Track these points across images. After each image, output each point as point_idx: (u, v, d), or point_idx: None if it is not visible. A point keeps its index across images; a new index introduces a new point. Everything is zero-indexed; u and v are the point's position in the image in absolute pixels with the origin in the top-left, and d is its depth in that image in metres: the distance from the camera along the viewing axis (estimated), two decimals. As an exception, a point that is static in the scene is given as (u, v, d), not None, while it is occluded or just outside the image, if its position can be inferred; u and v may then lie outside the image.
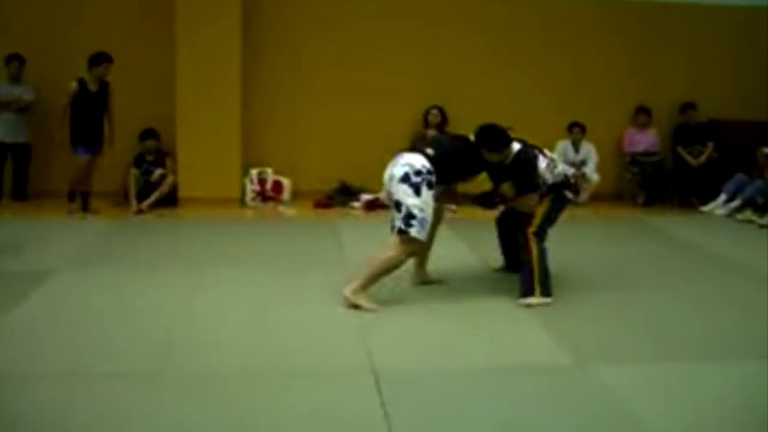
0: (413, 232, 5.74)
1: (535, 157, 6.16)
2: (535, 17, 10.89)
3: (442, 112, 10.42)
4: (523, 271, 6.14)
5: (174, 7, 9.76)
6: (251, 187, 10.08)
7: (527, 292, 6.05)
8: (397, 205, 5.78)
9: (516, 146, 6.12)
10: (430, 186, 5.79)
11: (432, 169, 5.82)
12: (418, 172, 5.78)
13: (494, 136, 6.03)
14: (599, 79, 10.98)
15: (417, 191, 5.73)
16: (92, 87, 9.23)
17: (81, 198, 9.36)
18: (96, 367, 4.66)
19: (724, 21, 11.25)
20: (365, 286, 5.89)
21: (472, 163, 6.16)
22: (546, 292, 6.07)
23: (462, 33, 10.68)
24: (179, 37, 9.72)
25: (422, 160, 5.85)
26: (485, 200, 6.54)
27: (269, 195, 10.15)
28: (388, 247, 5.92)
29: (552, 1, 10.90)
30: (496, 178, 6.27)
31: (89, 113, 9.22)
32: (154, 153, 9.83)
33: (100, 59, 9.16)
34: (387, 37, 10.59)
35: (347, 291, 5.85)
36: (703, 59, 11.27)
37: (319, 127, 10.52)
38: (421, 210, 5.74)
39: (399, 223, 5.76)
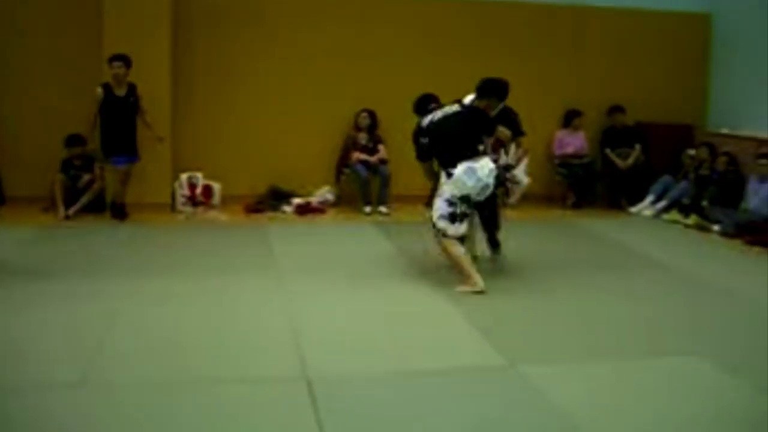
0: None
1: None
2: (465, 20, 10.94)
3: (372, 114, 10.42)
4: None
5: (102, 11, 9.58)
6: (181, 192, 9.96)
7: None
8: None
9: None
10: None
11: None
12: None
13: (503, 85, 7.04)
14: (529, 82, 11.03)
15: None
16: (119, 92, 9.15)
17: (117, 209, 9.38)
18: (12, 378, 4.55)
19: (651, 26, 11.43)
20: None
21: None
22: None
23: (391, 36, 10.69)
24: (107, 40, 9.54)
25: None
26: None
27: (199, 200, 10.03)
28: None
29: (482, 3, 10.96)
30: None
31: (121, 119, 9.17)
32: (82, 158, 9.64)
33: (110, 59, 9.10)
34: (317, 41, 10.54)
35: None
36: (630, 63, 11.44)
37: (250, 131, 10.42)
38: None
39: None
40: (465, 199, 6.47)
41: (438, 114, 6.72)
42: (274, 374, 4.73)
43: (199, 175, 10.07)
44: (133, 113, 9.27)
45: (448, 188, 6.45)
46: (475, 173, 6.38)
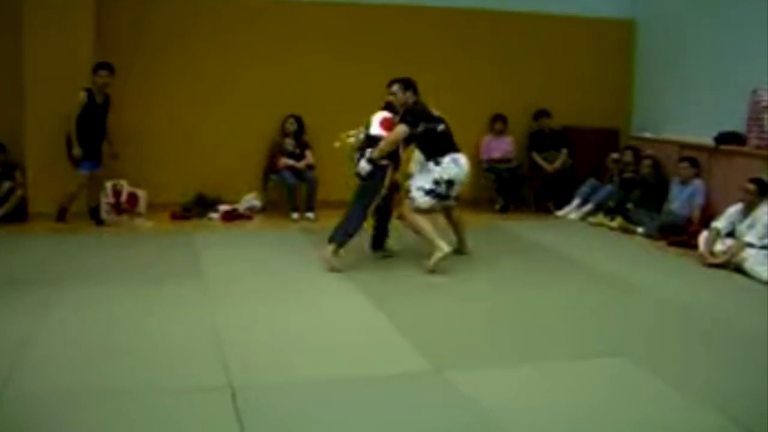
0: None
1: None
2: (389, 25, 10.92)
3: (298, 120, 10.37)
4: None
5: (21, 15, 9.38)
6: (105, 200, 9.78)
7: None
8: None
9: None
10: None
11: None
12: None
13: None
14: (456, 87, 11.09)
15: None
16: (99, 99, 9.16)
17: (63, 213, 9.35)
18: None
19: (578, 31, 11.55)
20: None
21: None
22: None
23: (316, 43, 10.62)
24: (27, 46, 9.35)
25: None
26: None
27: (124, 207, 9.85)
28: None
29: (406, 7, 10.96)
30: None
31: (94, 126, 9.18)
32: (1, 166, 9.42)
33: (96, 67, 9.09)
34: (243, 47, 10.44)
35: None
36: (557, 68, 11.55)
37: (175, 137, 10.28)
38: None
39: None
40: (450, 183, 7.55)
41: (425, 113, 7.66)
42: (198, 383, 4.66)
43: (124, 182, 9.89)
44: (105, 122, 9.32)
45: (437, 171, 7.52)
46: (458, 162, 7.59)
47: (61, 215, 9.33)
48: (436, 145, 7.58)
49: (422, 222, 7.54)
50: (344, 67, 10.56)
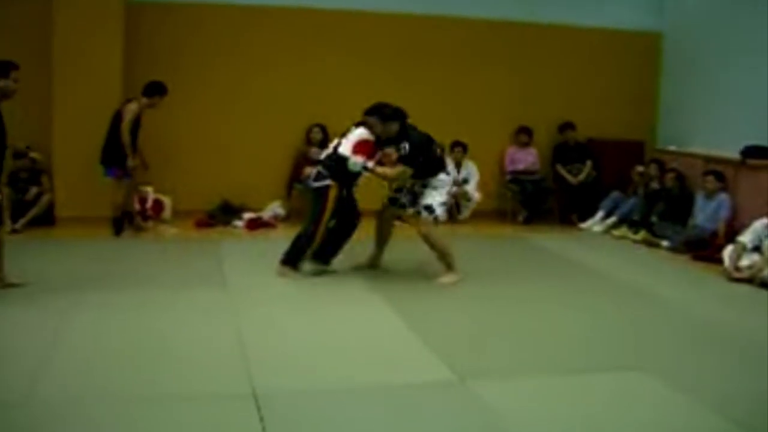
0: None
1: None
2: (416, 35, 10.98)
3: (323, 129, 10.39)
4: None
5: (52, 21, 9.49)
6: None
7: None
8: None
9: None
10: None
11: None
12: None
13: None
14: (481, 98, 11.12)
15: None
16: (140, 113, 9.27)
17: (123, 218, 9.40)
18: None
19: (603, 43, 11.56)
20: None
21: None
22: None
23: (343, 52, 10.68)
24: (57, 51, 9.46)
25: None
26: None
27: (149, 214, 9.92)
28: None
29: (433, 18, 11.00)
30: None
31: (135, 137, 9.24)
32: (29, 171, 9.52)
33: (154, 91, 9.19)
34: (267, 56, 10.52)
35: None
36: (582, 80, 11.55)
37: (201, 145, 10.35)
38: None
39: None
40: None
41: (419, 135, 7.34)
42: (222, 390, 4.67)
43: (149, 189, 9.97)
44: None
45: (448, 180, 7.60)
46: (449, 175, 7.72)
47: (119, 227, 9.31)
48: (432, 167, 7.37)
49: (446, 241, 7.52)
50: (369, 77, 10.58)
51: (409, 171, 7.20)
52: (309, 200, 7.60)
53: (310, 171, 10.05)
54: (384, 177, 7.33)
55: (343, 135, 7.42)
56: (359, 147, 7.20)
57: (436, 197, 7.36)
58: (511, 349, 5.63)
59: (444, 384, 4.91)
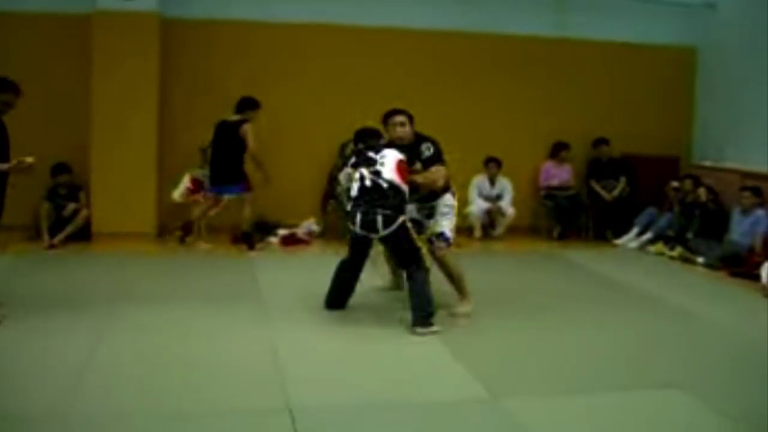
0: None
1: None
2: (450, 51, 11.00)
3: (358, 145, 10.40)
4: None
5: (91, 39, 9.63)
6: (185, 186, 9.99)
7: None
8: None
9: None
10: None
11: None
12: None
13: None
14: (515, 114, 11.12)
15: None
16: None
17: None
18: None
19: (638, 59, 11.51)
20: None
21: None
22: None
23: (376, 67, 10.72)
24: (95, 69, 9.59)
25: None
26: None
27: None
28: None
29: (469, 34, 11.03)
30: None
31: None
32: (67, 187, 9.63)
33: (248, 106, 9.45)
34: (303, 72, 10.58)
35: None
36: (616, 96, 11.51)
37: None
38: None
39: None
40: None
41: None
42: (257, 405, 4.71)
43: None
44: None
45: (454, 206, 6.98)
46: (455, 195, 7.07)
47: (251, 241, 9.62)
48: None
49: (460, 265, 6.98)
50: (403, 92, 10.52)
51: (443, 170, 6.74)
52: (386, 252, 7.26)
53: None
54: (432, 183, 6.70)
55: (360, 163, 6.67)
56: (400, 168, 6.53)
57: (446, 224, 6.86)
58: (546, 367, 5.61)
59: (477, 402, 4.91)
